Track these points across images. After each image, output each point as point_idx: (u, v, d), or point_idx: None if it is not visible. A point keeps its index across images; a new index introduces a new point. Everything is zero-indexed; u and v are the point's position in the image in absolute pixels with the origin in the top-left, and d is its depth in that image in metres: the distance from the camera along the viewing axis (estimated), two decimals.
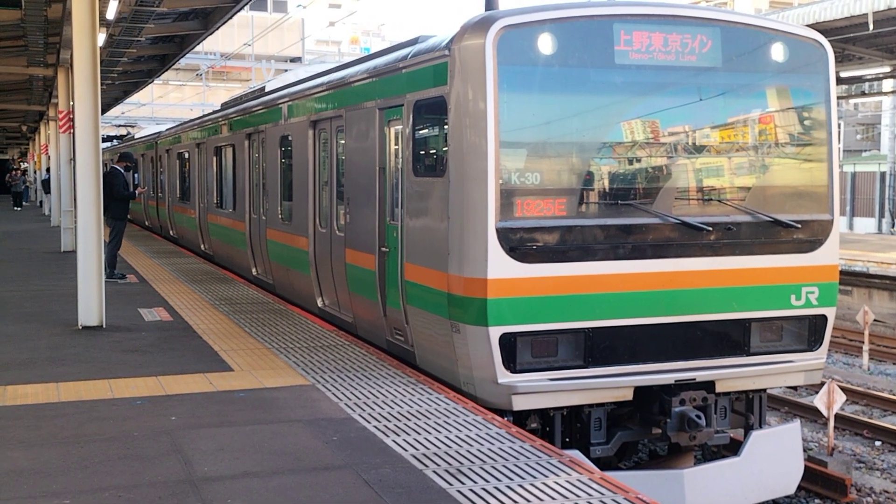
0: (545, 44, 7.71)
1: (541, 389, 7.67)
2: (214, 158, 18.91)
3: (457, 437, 6.65)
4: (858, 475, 10.82)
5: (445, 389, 8.07)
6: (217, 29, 21.34)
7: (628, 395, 7.96)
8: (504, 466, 6.02)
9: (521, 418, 7.88)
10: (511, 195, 7.61)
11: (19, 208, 44.83)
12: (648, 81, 8.10)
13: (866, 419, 12.97)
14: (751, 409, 8.72)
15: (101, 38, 17.25)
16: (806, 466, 9.57)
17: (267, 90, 16.74)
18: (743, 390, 8.55)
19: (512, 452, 6.32)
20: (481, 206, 7.57)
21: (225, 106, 19.95)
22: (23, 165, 65.17)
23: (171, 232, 25.04)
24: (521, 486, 5.66)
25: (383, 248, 9.57)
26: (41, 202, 42.69)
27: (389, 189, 9.50)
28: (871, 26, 18.09)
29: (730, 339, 8.28)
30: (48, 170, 35.73)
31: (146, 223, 29.97)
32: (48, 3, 16.42)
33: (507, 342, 7.61)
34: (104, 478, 5.78)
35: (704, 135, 8.41)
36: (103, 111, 32.56)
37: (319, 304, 12.04)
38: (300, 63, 47.61)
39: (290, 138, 13.21)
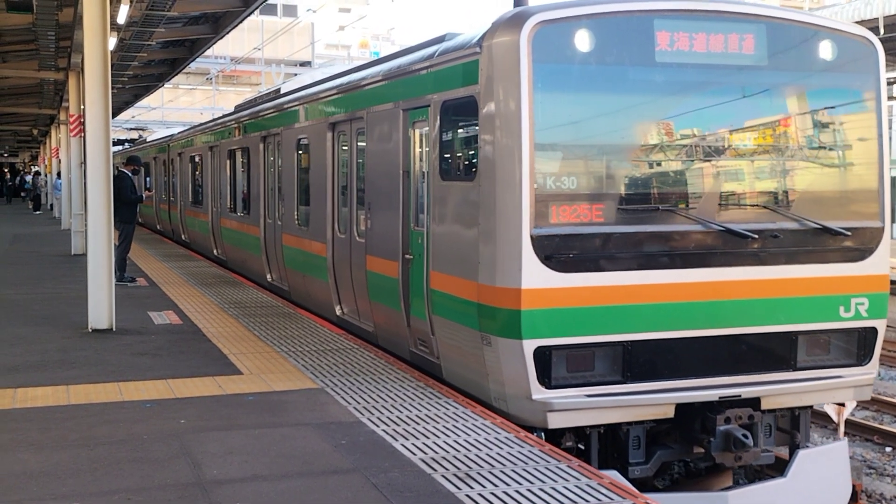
0: (582, 40, 7.31)
1: (577, 406, 7.25)
2: (228, 162, 18.61)
3: (466, 441, 6.65)
4: (869, 481, 10.78)
5: (454, 394, 8.06)
6: (227, 33, 21.41)
7: (669, 413, 7.52)
8: (513, 471, 6.01)
9: (554, 436, 7.43)
10: (546, 200, 7.23)
11: (39, 211, 44.91)
12: (690, 80, 7.72)
13: (876, 424, 12.92)
14: (796, 426, 8.22)
15: (112, 41, 17.32)
16: None
17: (282, 92, 16.44)
18: (789, 407, 8.08)
19: (521, 457, 6.31)
20: (515, 213, 7.20)
21: (238, 109, 19.69)
22: (33, 168, 65.45)
23: (182, 236, 24.80)
24: (529, 490, 5.65)
25: (407, 256, 9.20)
26: (51, 205, 42.81)
27: (414, 194, 9.15)
28: (881, 30, 18.05)
29: (775, 353, 7.84)
30: (59, 174, 35.85)
31: (157, 227, 29.70)
32: (59, 7, 16.49)
33: (542, 356, 7.21)
34: (114, 480, 5.80)
35: (748, 137, 8.02)
36: (114, 115, 32.66)
37: (338, 312, 11.68)
38: (310, 67, 47.68)
39: (307, 141, 12.89)
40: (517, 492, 5.63)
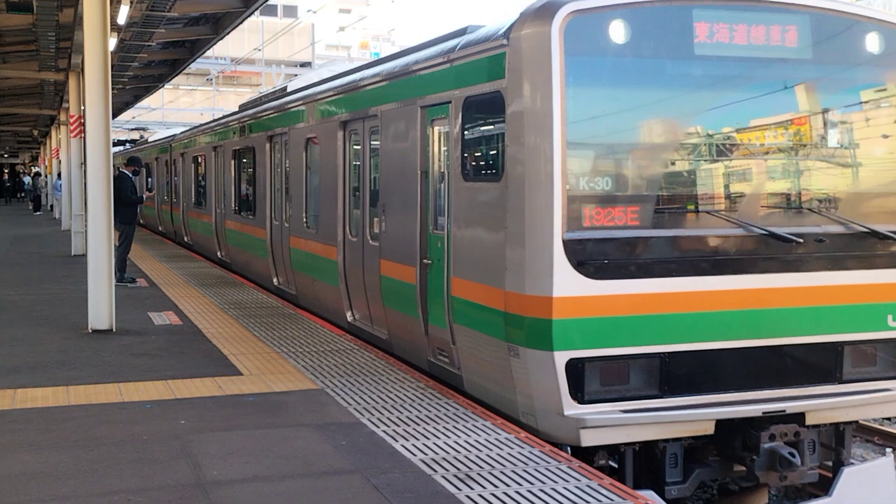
0: (617, 32, 6.86)
1: (612, 423, 6.77)
2: (233, 162, 18.18)
3: (466, 442, 6.65)
4: None
5: (454, 395, 8.05)
6: (227, 34, 21.41)
7: (709, 429, 7.03)
8: (513, 472, 6.01)
9: (585, 453, 6.94)
10: (578, 202, 6.78)
11: (39, 212, 44.93)
12: (730, 75, 7.26)
13: (877, 426, 12.91)
14: (840, 441, 7.71)
15: (112, 42, 17.33)
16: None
17: (289, 91, 15.98)
18: (834, 422, 7.57)
19: (521, 458, 6.30)
20: (545, 215, 6.75)
21: (243, 108, 19.34)
22: (34, 169, 65.50)
23: (185, 238, 24.36)
24: (529, 491, 5.65)
25: (425, 260, 8.77)
26: (52, 206, 42.83)
27: (433, 195, 8.72)
28: None
29: (820, 364, 7.38)
30: (59, 174, 35.87)
31: (160, 228, 29.29)
32: (60, 8, 16.49)
33: (575, 369, 6.75)
34: (114, 481, 5.79)
35: (792, 135, 7.55)
36: (114, 115, 32.66)
37: (349, 318, 11.24)
38: (310, 68, 47.67)
39: (316, 140, 12.45)
40: (517, 493, 5.62)
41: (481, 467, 6.08)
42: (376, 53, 59.12)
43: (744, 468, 7.25)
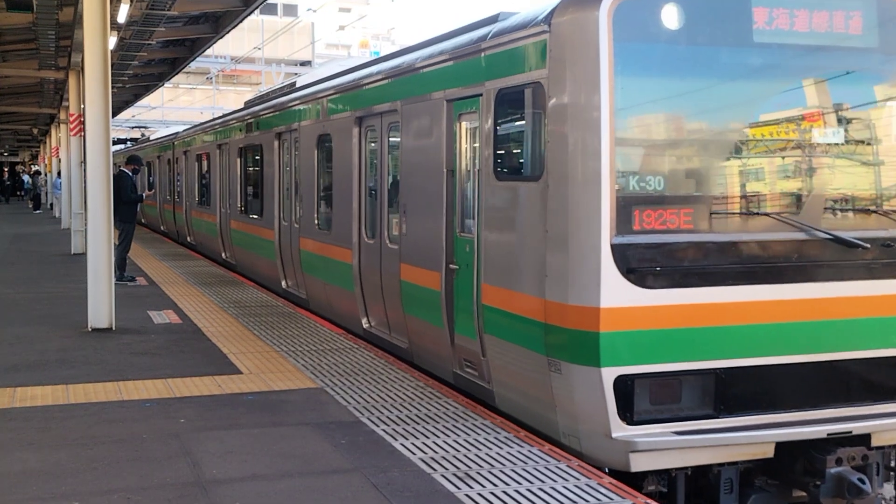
0: (670, 17, 6.31)
1: (664, 446, 6.20)
2: (239, 160, 17.62)
3: (466, 441, 6.64)
4: None
5: (454, 394, 8.05)
6: (227, 33, 21.40)
7: (769, 452, 6.42)
8: (513, 470, 6.01)
9: (633, 478, 6.32)
10: (628, 204, 6.22)
11: (39, 211, 44.95)
12: (791, 65, 6.71)
13: None
14: None
15: (112, 41, 17.33)
16: None
17: (298, 85, 15.49)
18: None
19: (520, 457, 6.30)
20: (592, 218, 6.19)
21: (249, 104, 18.88)
22: (34, 168, 65.51)
23: (188, 238, 23.87)
24: (529, 490, 5.65)
25: (452, 266, 8.22)
26: (51, 205, 42.84)
27: (460, 195, 8.17)
28: None
29: (888, 380, 6.81)
30: (59, 173, 35.88)
31: (161, 227, 28.81)
32: (60, 7, 16.49)
33: (624, 386, 6.20)
34: (113, 480, 5.79)
35: (858, 130, 6.97)
36: (114, 114, 32.65)
37: (365, 325, 10.71)
38: (310, 67, 47.68)
39: (329, 137, 11.84)
40: (517, 491, 5.62)
41: (481, 466, 6.08)
42: (376, 52, 59.09)
43: (804, 493, 6.65)
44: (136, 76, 28.50)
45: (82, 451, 6.37)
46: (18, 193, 62.15)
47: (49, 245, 23.87)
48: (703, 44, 6.51)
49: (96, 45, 11.25)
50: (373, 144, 10.55)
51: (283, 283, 14.41)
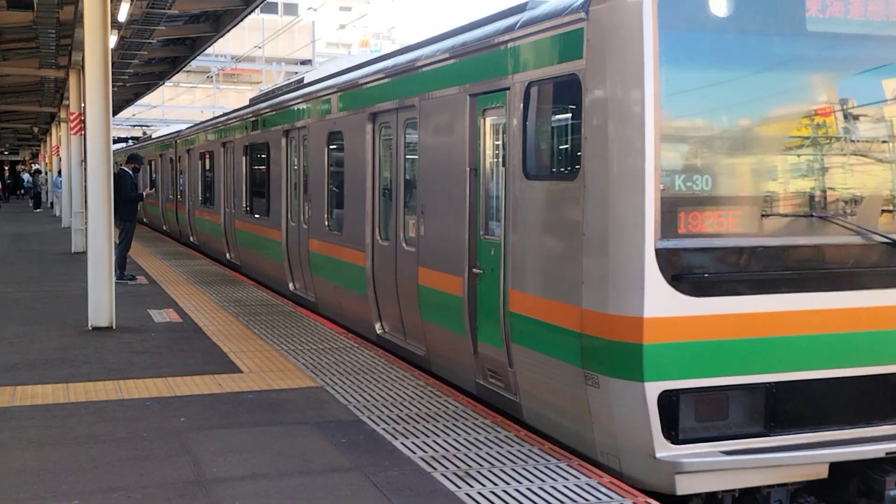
0: (719, 3, 5.90)
1: (712, 467, 5.78)
2: (244, 159, 17.12)
3: (466, 439, 6.64)
4: None
5: (455, 393, 8.05)
6: (228, 31, 21.41)
7: (822, 473, 5.99)
8: (513, 469, 6.01)
9: (677, 500, 5.96)
10: (674, 205, 5.80)
11: (39, 209, 44.97)
12: (845, 55, 6.29)
13: None
14: None
15: (113, 40, 17.33)
16: None
17: (307, 81, 14.97)
18: None
19: (521, 456, 6.30)
20: (634, 220, 5.78)
21: (254, 101, 18.38)
22: (34, 167, 65.51)
23: (191, 238, 23.48)
24: (529, 489, 5.65)
25: (475, 270, 7.81)
26: (52, 203, 42.87)
27: (484, 195, 7.78)
28: None
29: None
30: (60, 172, 35.89)
31: (164, 227, 28.34)
32: (60, 6, 16.50)
33: (668, 402, 5.78)
34: (113, 478, 5.79)
35: None
36: (114, 113, 32.65)
37: (378, 330, 10.31)
38: (311, 66, 47.71)
39: (340, 134, 11.39)
40: (517, 490, 5.62)
41: (481, 465, 6.08)
42: (376, 51, 59.14)
43: None
44: (136, 75, 28.50)
45: (83, 450, 6.37)
46: (18, 192, 62.10)
47: (49, 244, 23.88)
48: (753, 32, 6.06)
49: (97, 43, 11.26)
50: (388, 142, 10.09)
51: (291, 285, 14.02)
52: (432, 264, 8.62)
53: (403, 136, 9.54)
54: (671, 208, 5.82)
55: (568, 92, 6.41)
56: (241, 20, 20.18)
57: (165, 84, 37.14)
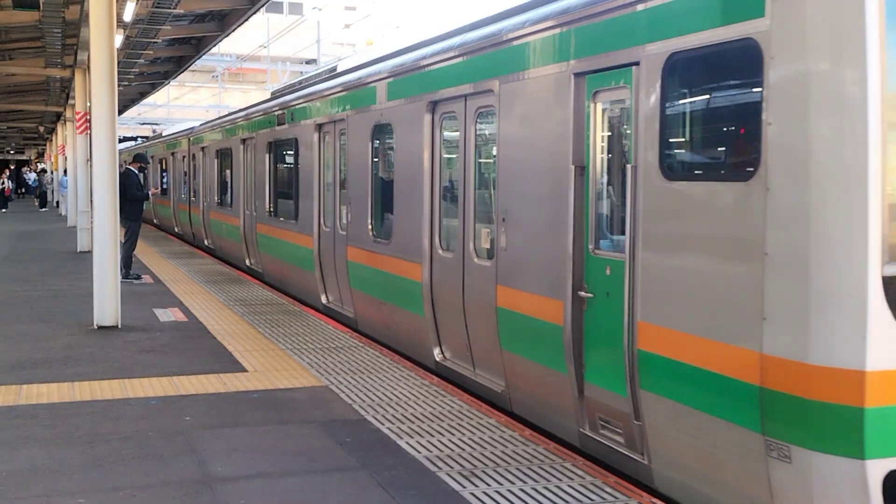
0: None
1: None
2: (268, 156, 15.79)
3: (471, 439, 6.64)
4: None
5: (459, 392, 8.04)
6: (233, 31, 21.42)
7: None
8: (518, 469, 6.00)
9: None
10: None
11: (45, 208, 45.09)
12: None
13: None
14: None
15: (119, 39, 17.34)
16: None
17: (341, 70, 13.46)
18: None
19: (526, 455, 6.30)
20: (850, 236, 4.40)
21: (278, 94, 17.20)
22: (39, 166, 65.60)
23: (206, 241, 22.21)
24: (534, 488, 5.65)
25: (582, 293, 6.38)
26: (57, 202, 42.96)
27: (593, 199, 6.35)
28: None
29: None
30: (65, 171, 35.95)
31: (176, 229, 27.09)
32: (66, 5, 16.53)
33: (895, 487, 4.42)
34: (119, 477, 5.80)
35: None
36: (120, 112, 32.71)
37: (437, 356, 8.99)
38: (315, 65, 47.73)
39: (389, 128, 10.05)
40: (522, 490, 5.62)
41: (486, 465, 6.08)
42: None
43: None
44: (141, 74, 28.54)
45: (88, 449, 6.38)
46: (20, 191, 61.99)
47: (55, 243, 23.93)
48: None
49: (103, 43, 11.28)
50: (452, 135, 8.72)
51: (323, 297, 12.71)
52: (517, 283, 7.25)
53: (475, 127, 8.16)
54: None
55: (738, 63, 5.02)
56: (247, 19, 20.18)
57: (171, 83, 37.16)
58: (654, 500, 5.55)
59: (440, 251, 8.88)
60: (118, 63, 13.80)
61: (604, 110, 6.35)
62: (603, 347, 6.23)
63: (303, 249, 13.36)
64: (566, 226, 6.51)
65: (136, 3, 15.84)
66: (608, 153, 6.38)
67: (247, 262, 17.73)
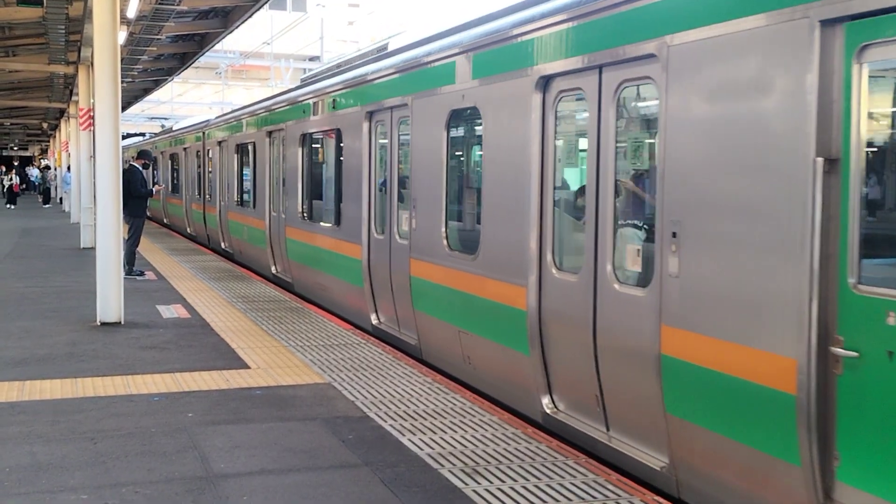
0: None
1: None
2: (299, 151, 13.85)
3: (473, 436, 6.64)
4: None
5: (461, 389, 8.03)
6: (237, 27, 21.41)
7: None
8: (521, 466, 6.00)
9: None
10: None
11: (48, 205, 45.16)
12: None
13: None
14: None
15: (122, 36, 17.35)
16: None
17: (392, 48, 11.51)
18: None
19: (528, 453, 6.30)
20: None
21: (308, 81, 15.17)
22: (43, 162, 65.63)
23: (222, 244, 20.55)
24: (536, 486, 5.65)
25: (836, 349, 4.38)
26: (61, 199, 43.01)
27: (855, 208, 4.32)
28: None
29: None
30: (69, 167, 35.97)
31: (188, 230, 25.45)
32: (70, 1, 16.54)
33: None
34: (122, 473, 5.81)
35: None
36: (123, 108, 32.68)
37: (547, 406, 7.14)
38: (319, 62, 47.72)
39: (476, 112, 8.17)
40: (524, 487, 5.62)
41: (488, 462, 6.08)
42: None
43: None
44: (145, 71, 28.54)
45: (91, 445, 6.39)
46: (22, 188, 61.83)
47: (58, 239, 23.95)
48: None
49: (106, 39, 11.28)
50: (576, 119, 7.14)
51: (374, 317, 10.96)
52: (698, 325, 5.27)
53: (613, 111, 6.25)
54: None
55: None
56: (250, 16, 20.17)
57: (174, 80, 37.16)
58: (657, 497, 5.54)
59: (553, 271, 6.94)
60: (122, 59, 13.80)
61: (880, 76, 4.37)
62: (875, 432, 4.19)
63: (347, 260, 11.58)
64: (802, 247, 4.53)
65: (140, 0, 15.84)
66: (879, 141, 4.53)
67: (272, 269, 15.95)
